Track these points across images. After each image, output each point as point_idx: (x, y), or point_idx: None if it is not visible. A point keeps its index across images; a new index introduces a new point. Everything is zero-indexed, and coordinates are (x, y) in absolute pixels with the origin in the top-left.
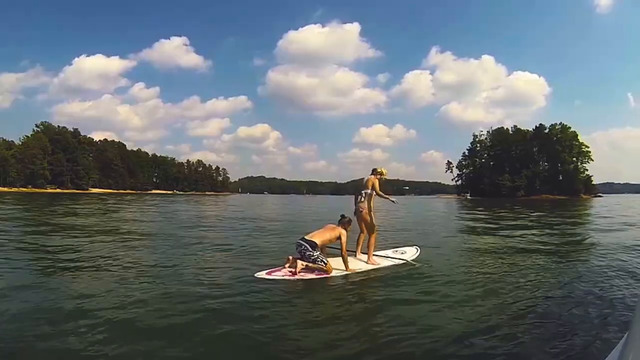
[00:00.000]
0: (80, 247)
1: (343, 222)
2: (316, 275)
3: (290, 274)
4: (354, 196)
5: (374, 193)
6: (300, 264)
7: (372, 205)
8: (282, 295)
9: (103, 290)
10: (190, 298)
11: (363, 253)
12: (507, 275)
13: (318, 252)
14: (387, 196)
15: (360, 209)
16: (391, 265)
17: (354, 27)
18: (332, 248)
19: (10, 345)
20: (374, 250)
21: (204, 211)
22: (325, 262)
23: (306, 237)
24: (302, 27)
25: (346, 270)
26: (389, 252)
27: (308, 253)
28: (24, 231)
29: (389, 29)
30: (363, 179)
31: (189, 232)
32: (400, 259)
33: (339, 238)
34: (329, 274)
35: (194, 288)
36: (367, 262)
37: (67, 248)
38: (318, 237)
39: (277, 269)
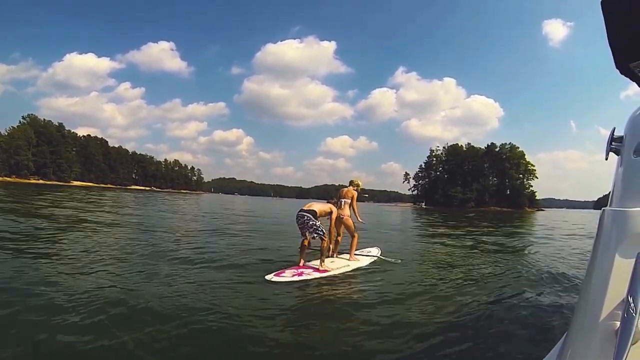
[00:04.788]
0: (84, 243)
1: (330, 201)
2: (319, 273)
3: (297, 274)
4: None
5: (352, 202)
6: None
7: (350, 212)
8: (293, 296)
9: (101, 289)
10: (207, 303)
11: (339, 254)
12: (456, 273)
13: (319, 222)
14: (358, 215)
15: (341, 216)
16: (370, 263)
17: (331, 45)
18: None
19: None
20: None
21: (192, 213)
22: (324, 232)
23: (305, 208)
24: (280, 40)
25: (330, 240)
26: (357, 252)
27: (311, 222)
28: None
29: (361, 48)
30: (342, 190)
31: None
32: (373, 256)
33: (330, 213)
34: (326, 272)
35: (209, 292)
36: (349, 260)
37: (73, 245)
38: (316, 207)
39: (282, 270)
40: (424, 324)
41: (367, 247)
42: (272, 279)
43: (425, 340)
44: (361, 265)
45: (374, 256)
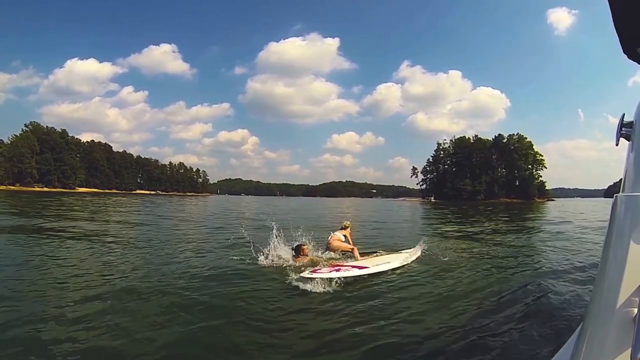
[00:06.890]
0: (119, 243)
1: (301, 248)
2: (352, 268)
3: (334, 270)
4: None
5: (343, 237)
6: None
7: (342, 242)
8: (326, 293)
9: (141, 297)
10: (247, 299)
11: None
12: (473, 273)
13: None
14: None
15: (329, 244)
16: (405, 260)
17: (334, 42)
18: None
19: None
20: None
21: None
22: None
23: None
24: (283, 39)
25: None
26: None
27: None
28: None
29: (365, 43)
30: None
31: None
32: (408, 252)
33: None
34: (361, 268)
35: (244, 289)
36: (357, 259)
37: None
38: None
39: (318, 267)
40: (445, 320)
41: (409, 248)
42: (307, 275)
43: (451, 335)
44: (400, 264)
45: (407, 252)
